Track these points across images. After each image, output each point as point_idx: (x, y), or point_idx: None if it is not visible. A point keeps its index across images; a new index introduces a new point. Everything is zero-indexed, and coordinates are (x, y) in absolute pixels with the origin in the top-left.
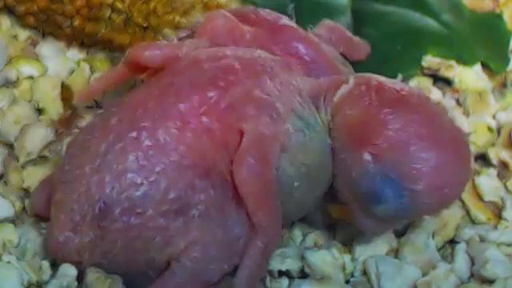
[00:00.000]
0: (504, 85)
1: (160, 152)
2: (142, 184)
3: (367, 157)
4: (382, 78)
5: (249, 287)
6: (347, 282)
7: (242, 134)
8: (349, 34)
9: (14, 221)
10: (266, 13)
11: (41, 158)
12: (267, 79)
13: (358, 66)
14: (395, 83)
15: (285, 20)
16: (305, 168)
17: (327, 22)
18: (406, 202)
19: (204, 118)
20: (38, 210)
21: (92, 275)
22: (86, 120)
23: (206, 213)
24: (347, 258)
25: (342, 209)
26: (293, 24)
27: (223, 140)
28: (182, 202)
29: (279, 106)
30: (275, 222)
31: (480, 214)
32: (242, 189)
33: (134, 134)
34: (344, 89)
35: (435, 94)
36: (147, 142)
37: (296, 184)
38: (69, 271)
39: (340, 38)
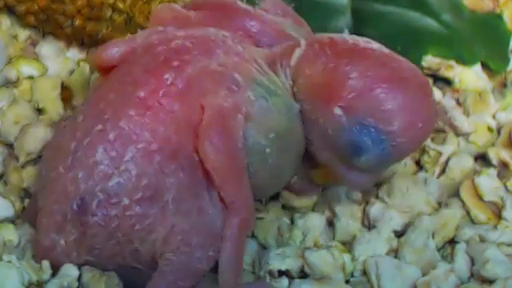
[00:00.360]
0: (504, 85)
1: (126, 141)
2: (113, 174)
3: (338, 111)
4: (332, 34)
5: (234, 268)
6: (347, 281)
7: (203, 109)
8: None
9: (14, 221)
10: None
11: (41, 158)
12: (221, 52)
13: None
14: (345, 36)
15: (237, 2)
16: (273, 133)
17: None
18: (387, 146)
19: (164, 101)
20: (30, 220)
21: (87, 274)
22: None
23: (179, 197)
24: (347, 257)
25: (325, 172)
26: (238, 3)
27: (187, 119)
28: (154, 188)
29: (237, 76)
30: (245, 195)
31: (480, 213)
32: (207, 164)
33: (99, 127)
34: (298, 51)
35: (435, 94)
36: (113, 133)
37: (268, 150)
38: (70, 271)
39: (285, 12)
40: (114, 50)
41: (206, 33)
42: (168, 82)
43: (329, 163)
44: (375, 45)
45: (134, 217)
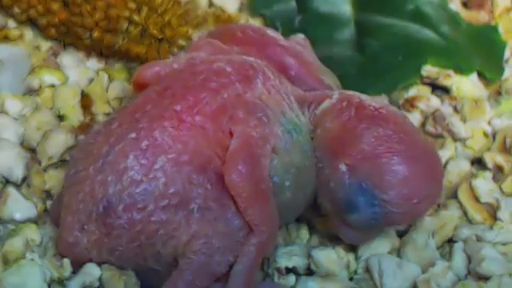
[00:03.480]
0: (499, 93)
1: (158, 150)
2: (141, 181)
3: (343, 167)
4: (364, 96)
5: (244, 282)
6: (350, 279)
7: (232, 135)
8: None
9: (36, 221)
10: (252, 29)
11: (62, 162)
12: (259, 82)
13: (361, 75)
14: (376, 101)
15: (270, 34)
16: (294, 168)
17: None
18: (378, 212)
19: (197, 118)
20: (57, 221)
21: (107, 273)
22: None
23: (205, 206)
24: (351, 256)
25: (326, 221)
26: (278, 37)
27: (216, 138)
28: (181, 197)
29: (269, 109)
30: (268, 220)
31: (476, 214)
32: (232, 191)
33: (133, 135)
34: (327, 103)
35: (434, 101)
36: (145, 142)
37: (287, 184)
38: (93, 271)
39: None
40: (155, 69)
41: (248, 60)
42: (204, 102)
43: (329, 214)
44: (400, 118)
45: (159, 222)
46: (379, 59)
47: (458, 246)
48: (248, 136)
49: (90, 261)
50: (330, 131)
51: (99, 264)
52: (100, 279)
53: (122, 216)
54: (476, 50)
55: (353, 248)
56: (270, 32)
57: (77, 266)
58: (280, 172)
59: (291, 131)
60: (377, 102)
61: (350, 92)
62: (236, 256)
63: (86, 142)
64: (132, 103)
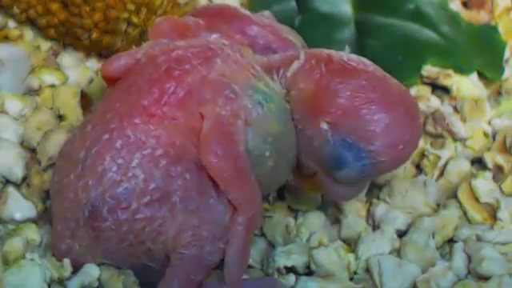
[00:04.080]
0: (499, 93)
1: (132, 148)
2: (121, 181)
3: (324, 126)
4: (331, 51)
5: (239, 263)
6: (351, 279)
7: (203, 117)
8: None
9: (36, 221)
10: (213, 3)
11: None
12: (219, 61)
13: None
14: (343, 54)
15: (228, 4)
16: (271, 137)
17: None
18: (366, 163)
19: (166, 109)
20: None
21: (106, 273)
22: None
23: (187, 196)
24: (352, 257)
25: (312, 182)
26: (238, 8)
27: (189, 126)
28: (162, 191)
29: (234, 85)
30: (251, 196)
31: (476, 214)
32: (211, 171)
33: (106, 136)
34: (296, 64)
35: (434, 101)
36: (119, 141)
37: (267, 154)
38: (92, 271)
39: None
40: (119, 63)
41: (205, 42)
42: (170, 91)
43: (315, 173)
44: (370, 67)
45: (144, 219)
46: (379, 59)
47: (458, 246)
48: (218, 116)
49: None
50: (305, 91)
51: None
52: (99, 279)
53: (107, 218)
54: (476, 49)
55: (352, 248)
56: (239, 8)
57: (77, 268)
58: (258, 143)
59: (261, 101)
60: (343, 54)
61: (316, 49)
62: (226, 242)
63: (66, 148)
64: (102, 103)
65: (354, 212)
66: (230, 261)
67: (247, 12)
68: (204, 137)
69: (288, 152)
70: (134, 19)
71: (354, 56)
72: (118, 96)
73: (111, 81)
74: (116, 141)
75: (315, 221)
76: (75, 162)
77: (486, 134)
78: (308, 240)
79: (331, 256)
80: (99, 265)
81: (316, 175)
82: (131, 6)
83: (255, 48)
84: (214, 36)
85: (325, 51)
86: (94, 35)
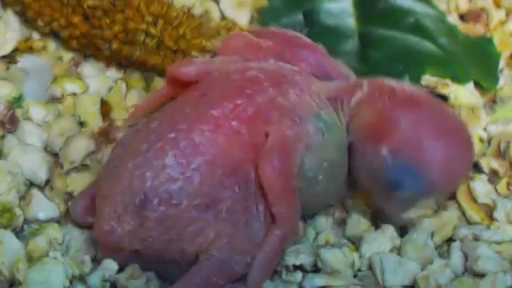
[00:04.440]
0: (494, 101)
1: (195, 151)
2: (178, 179)
3: (385, 151)
4: (392, 82)
5: (265, 270)
6: (354, 276)
7: (267, 136)
8: None
9: (59, 221)
10: (276, 28)
11: (83, 166)
12: (288, 87)
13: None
14: (404, 85)
15: (292, 32)
16: (326, 163)
17: None
18: (423, 186)
19: (233, 123)
20: (77, 219)
21: (128, 269)
22: (122, 131)
23: (232, 208)
24: (356, 256)
25: (365, 197)
26: (300, 35)
27: (251, 142)
28: (212, 197)
29: (300, 111)
30: (293, 213)
31: (474, 214)
32: (265, 183)
33: (172, 135)
34: (359, 94)
35: None
36: (184, 142)
37: (320, 177)
38: (111, 265)
39: None
40: (190, 68)
41: (277, 67)
42: (240, 108)
43: (368, 190)
44: (430, 98)
45: (189, 219)
46: (382, 69)
47: (456, 245)
48: (283, 134)
49: (123, 248)
50: (368, 119)
51: (130, 252)
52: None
53: (156, 210)
54: (472, 60)
55: (356, 247)
56: (303, 37)
57: (109, 253)
58: (313, 167)
59: (322, 129)
60: (404, 86)
61: (378, 80)
62: (253, 258)
63: (126, 138)
64: (171, 105)
65: (359, 212)
66: (257, 266)
67: (309, 41)
68: (266, 149)
69: (339, 178)
70: (152, 30)
71: (414, 87)
72: (188, 101)
73: (175, 81)
74: (181, 141)
75: (322, 221)
76: (136, 153)
77: (481, 140)
78: (315, 239)
79: (337, 254)
80: (132, 252)
81: (370, 191)
82: (149, 18)
83: (316, 76)
84: (282, 63)
85: (385, 82)
86: (114, 46)
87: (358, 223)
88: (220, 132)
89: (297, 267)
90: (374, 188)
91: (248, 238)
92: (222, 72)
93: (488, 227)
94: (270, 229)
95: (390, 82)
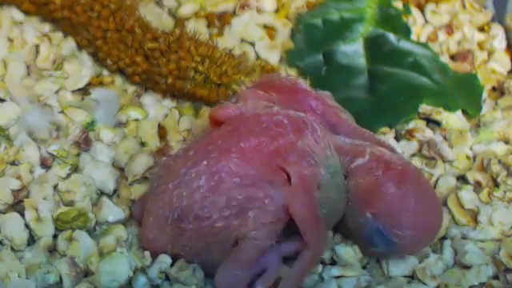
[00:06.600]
0: (478, 125)
1: (225, 175)
2: (209, 197)
3: (369, 215)
4: (389, 155)
5: (295, 283)
6: (364, 267)
7: (283, 171)
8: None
9: (124, 223)
10: (286, 78)
11: (143, 178)
12: (308, 134)
13: (372, 112)
14: (400, 160)
15: (300, 83)
16: (330, 200)
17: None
18: (392, 249)
19: (256, 154)
20: (136, 218)
21: (177, 263)
22: (175, 150)
23: (260, 214)
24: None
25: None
26: (306, 86)
27: (270, 172)
28: (241, 208)
29: (315, 155)
30: (321, 239)
31: (462, 218)
32: (296, 217)
33: (205, 162)
34: (359, 161)
35: (428, 132)
36: (215, 168)
37: (324, 211)
38: (165, 259)
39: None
40: (227, 111)
41: (301, 115)
42: (264, 144)
43: (354, 235)
44: (416, 174)
45: (221, 227)
46: (386, 100)
47: (447, 243)
48: (303, 174)
49: (166, 253)
50: (362, 185)
51: (172, 255)
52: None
53: (192, 222)
54: (461, 92)
55: None
56: (300, 81)
57: (155, 256)
58: (320, 202)
59: (331, 172)
60: (399, 159)
61: (379, 151)
62: (277, 238)
63: (167, 162)
64: (206, 137)
65: None
66: (288, 279)
67: (308, 89)
68: (293, 189)
69: (337, 212)
70: (200, 68)
71: (406, 163)
72: (221, 135)
73: (216, 122)
74: (213, 167)
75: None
76: (175, 175)
77: (468, 157)
78: (332, 238)
79: (349, 251)
80: (174, 255)
81: (355, 236)
82: (197, 58)
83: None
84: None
85: (385, 153)
86: (169, 80)
87: None
88: (245, 160)
89: None
90: (356, 235)
91: (273, 227)
92: (253, 113)
93: (474, 228)
94: (303, 251)
95: (388, 154)
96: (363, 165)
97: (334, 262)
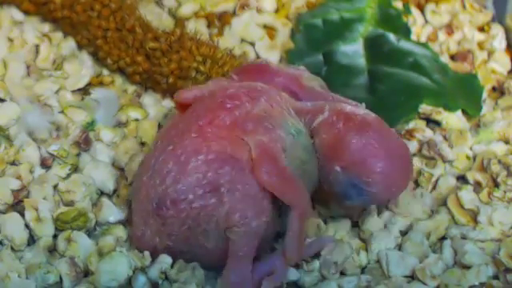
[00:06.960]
0: (478, 125)
1: (190, 154)
2: (180, 179)
3: (338, 169)
4: (349, 108)
5: (296, 242)
6: (365, 267)
7: (243, 142)
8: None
9: (124, 223)
10: (259, 62)
11: None
12: (263, 100)
13: (376, 108)
14: (359, 111)
15: (271, 65)
16: (299, 160)
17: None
18: (366, 199)
19: (215, 130)
20: (129, 221)
21: (176, 265)
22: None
23: (232, 188)
24: (363, 254)
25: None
26: (276, 67)
27: (231, 145)
28: (212, 185)
29: (272, 119)
30: (300, 196)
31: (462, 218)
32: (267, 187)
33: (170, 147)
34: (320, 117)
35: (428, 132)
36: (180, 150)
37: (297, 172)
38: (166, 259)
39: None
40: (190, 93)
41: (255, 85)
42: (219, 118)
43: (328, 195)
44: (380, 124)
45: (199, 207)
46: (386, 100)
47: (447, 243)
48: (261, 143)
49: (156, 246)
50: (325, 140)
51: (163, 249)
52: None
53: (170, 208)
54: (460, 92)
55: (365, 245)
56: (271, 63)
57: (155, 256)
58: (290, 163)
59: (292, 132)
60: (361, 111)
61: (337, 105)
62: (268, 216)
63: (142, 161)
64: (169, 124)
65: (369, 217)
66: (288, 241)
67: (275, 66)
68: (255, 162)
69: (311, 174)
70: (201, 68)
71: (367, 113)
72: (181, 119)
73: (180, 106)
74: (177, 150)
75: (340, 222)
76: (147, 168)
77: (468, 157)
78: (334, 235)
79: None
80: (164, 248)
81: (329, 196)
82: (199, 58)
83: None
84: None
85: (344, 108)
86: (170, 80)
87: (369, 226)
88: (206, 136)
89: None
90: (330, 194)
91: (256, 206)
92: (210, 91)
93: (473, 228)
94: (290, 214)
95: (348, 107)
96: (324, 121)
97: None
